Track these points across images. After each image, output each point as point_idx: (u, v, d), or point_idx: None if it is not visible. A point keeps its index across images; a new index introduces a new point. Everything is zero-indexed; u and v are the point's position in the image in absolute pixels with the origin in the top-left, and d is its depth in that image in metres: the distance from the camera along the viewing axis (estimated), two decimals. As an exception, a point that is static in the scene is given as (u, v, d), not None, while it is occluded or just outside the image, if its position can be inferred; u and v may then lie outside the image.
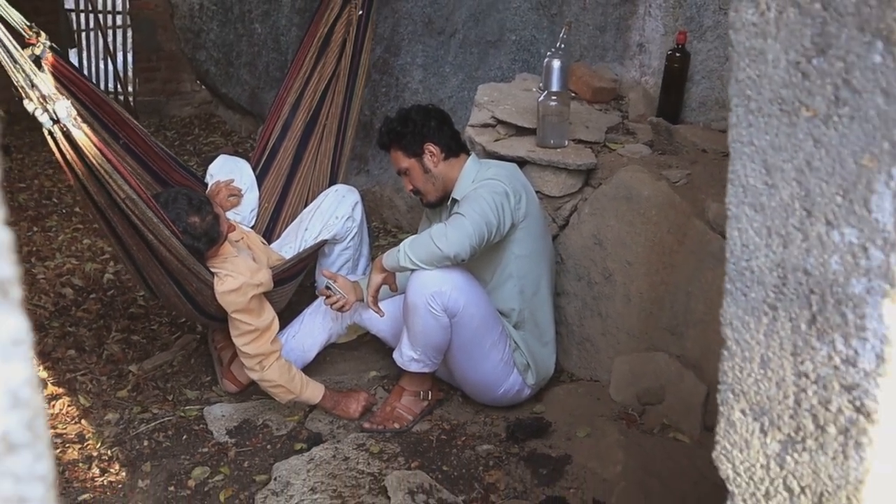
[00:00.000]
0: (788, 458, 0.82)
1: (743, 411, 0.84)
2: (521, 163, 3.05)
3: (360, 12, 3.49)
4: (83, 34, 7.33)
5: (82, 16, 7.37)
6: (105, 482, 2.73)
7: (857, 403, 0.75)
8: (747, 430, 0.85)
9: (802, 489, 0.82)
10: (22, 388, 0.31)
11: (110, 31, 7.30)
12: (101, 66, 7.27)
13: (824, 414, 0.78)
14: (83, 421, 2.99)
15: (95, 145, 2.31)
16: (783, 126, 0.74)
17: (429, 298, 2.64)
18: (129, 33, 7.26)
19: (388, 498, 2.51)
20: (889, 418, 0.75)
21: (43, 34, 2.59)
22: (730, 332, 0.84)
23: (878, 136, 0.68)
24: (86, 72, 6.99)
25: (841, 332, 0.75)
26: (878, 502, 0.77)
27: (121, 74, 7.19)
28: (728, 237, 0.81)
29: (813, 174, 0.73)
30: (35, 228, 4.71)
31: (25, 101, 2.29)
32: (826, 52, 0.70)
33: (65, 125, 2.25)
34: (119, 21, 7.37)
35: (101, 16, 7.20)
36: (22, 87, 2.27)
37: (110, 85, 7.18)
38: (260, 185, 3.51)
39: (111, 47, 7.22)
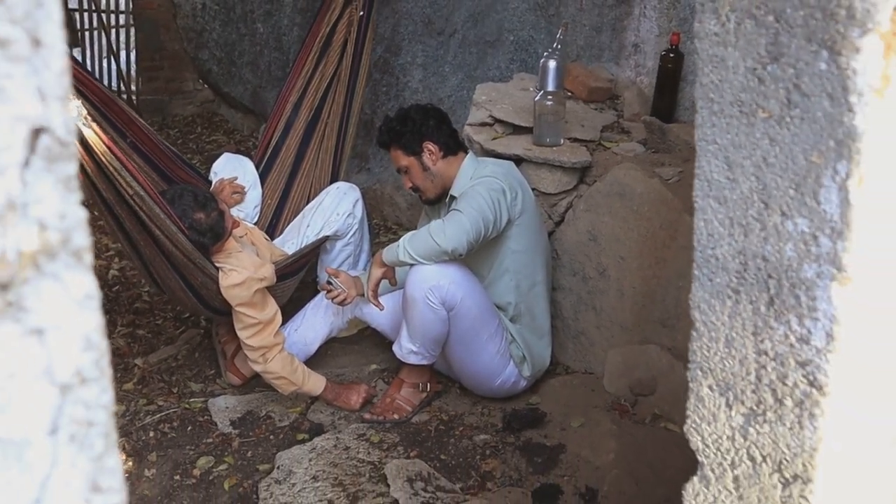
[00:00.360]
0: (751, 430, 0.90)
1: (710, 387, 0.92)
2: (518, 161, 3.13)
3: (361, 13, 3.56)
4: (86, 33, 7.40)
5: (85, 15, 7.45)
6: (113, 471, 2.80)
7: (811, 378, 0.83)
8: (714, 405, 0.92)
9: (764, 458, 0.90)
10: (93, 334, 0.39)
11: (113, 31, 7.37)
12: (105, 64, 7.34)
13: (782, 388, 0.86)
14: (91, 412, 3.07)
15: (105, 143, 2.39)
16: (742, 126, 0.82)
17: (427, 292, 2.71)
18: (132, 32, 7.33)
19: (388, 486, 2.58)
20: (839, 391, 0.83)
21: (53, 36, 2.66)
22: (698, 314, 0.92)
23: (825, 135, 0.76)
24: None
25: (795, 313, 0.83)
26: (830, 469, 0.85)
27: (124, 73, 7.26)
28: (695, 227, 0.89)
29: (769, 169, 0.81)
30: (41, 225, 4.78)
31: (37, 101, 2.36)
32: (779, 60, 0.78)
33: (76, 124, 2.32)
34: (122, 20, 7.44)
35: (104, 15, 7.27)
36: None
37: (113, 84, 7.25)
38: (263, 182, 3.58)
39: (114, 46, 7.29)
